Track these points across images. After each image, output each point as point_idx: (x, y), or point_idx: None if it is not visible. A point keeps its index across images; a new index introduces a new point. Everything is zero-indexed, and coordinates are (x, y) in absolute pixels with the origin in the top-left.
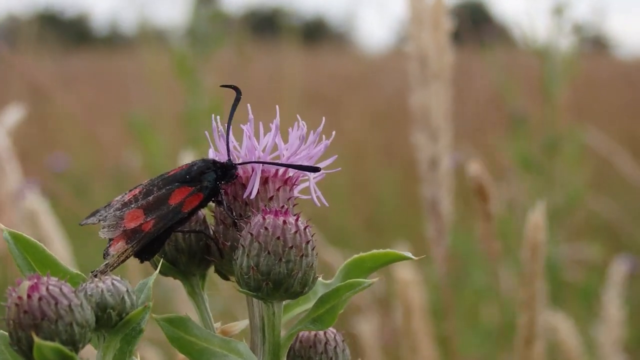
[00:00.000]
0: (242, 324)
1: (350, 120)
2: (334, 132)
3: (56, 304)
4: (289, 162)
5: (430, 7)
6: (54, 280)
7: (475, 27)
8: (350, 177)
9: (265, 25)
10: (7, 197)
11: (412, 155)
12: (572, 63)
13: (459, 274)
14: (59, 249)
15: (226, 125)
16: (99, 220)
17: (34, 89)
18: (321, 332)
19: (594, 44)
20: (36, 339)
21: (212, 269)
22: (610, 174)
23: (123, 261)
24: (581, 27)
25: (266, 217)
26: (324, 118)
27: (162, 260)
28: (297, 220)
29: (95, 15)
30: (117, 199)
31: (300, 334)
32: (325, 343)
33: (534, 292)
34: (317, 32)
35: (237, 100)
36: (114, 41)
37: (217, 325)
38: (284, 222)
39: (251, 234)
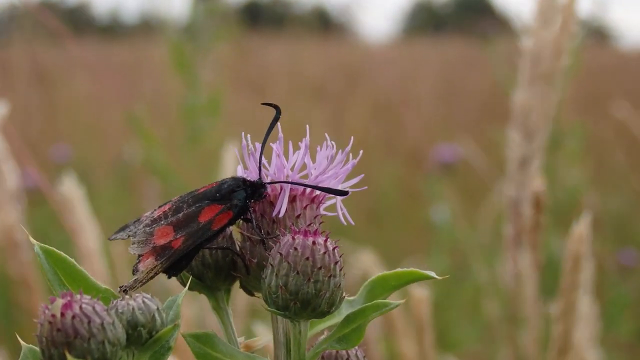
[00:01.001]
0: (265, 339)
1: (350, 112)
2: (342, 129)
3: (89, 322)
4: (316, 181)
5: (561, 8)
6: (87, 298)
7: (477, 19)
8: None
9: (266, 16)
10: (4, 197)
11: (412, 148)
12: (576, 57)
13: (461, 267)
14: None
15: (251, 143)
16: (129, 236)
17: (37, 77)
18: None
19: (596, 35)
20: (69, 357)
21: (237, 284)
22: (612, 166)
23: (152, 277)
24: (585, 21)
25: (295, 237)
26: (352, 137)
27: (190, 277)
28: (326, 241)
29: (95, 4)
30: (146, 214)
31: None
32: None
33: (572, 303)
34: (317, 22)
35: (276, 119)
36: (115, 30)
37: (240, 339)
38: (314, 242)
39: (280, 254)
